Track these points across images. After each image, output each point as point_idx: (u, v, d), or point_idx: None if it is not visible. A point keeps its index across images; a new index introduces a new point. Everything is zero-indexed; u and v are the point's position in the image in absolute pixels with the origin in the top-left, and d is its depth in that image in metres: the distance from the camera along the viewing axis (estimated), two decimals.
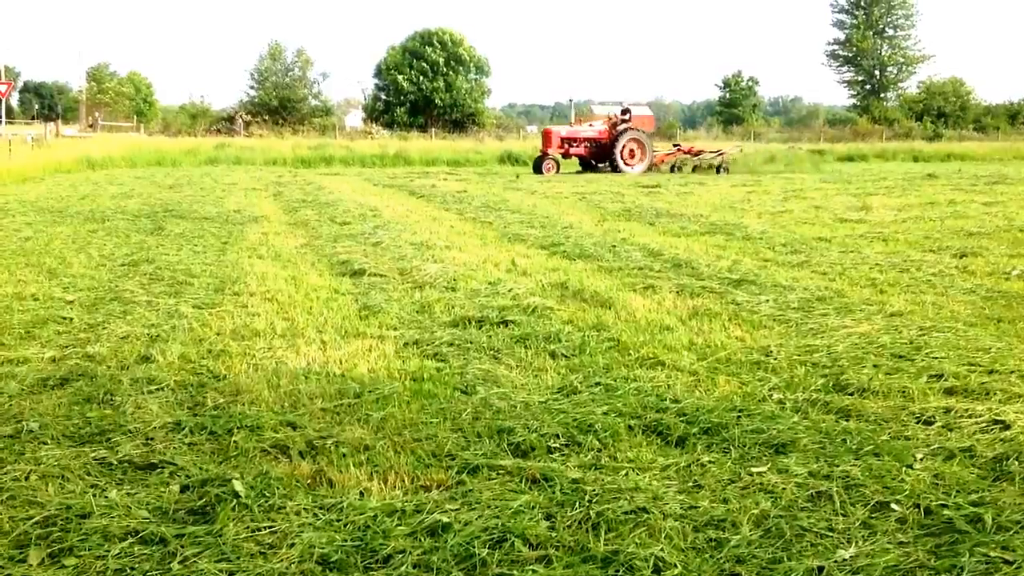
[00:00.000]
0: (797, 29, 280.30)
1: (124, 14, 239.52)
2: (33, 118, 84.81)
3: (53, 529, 3.82)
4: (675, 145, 37.69)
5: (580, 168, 33.96)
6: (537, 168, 31.95)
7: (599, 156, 33.25)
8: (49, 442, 4.82)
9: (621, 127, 33.29)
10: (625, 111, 34.75)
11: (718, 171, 31.75)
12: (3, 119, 39.71)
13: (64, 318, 7.67)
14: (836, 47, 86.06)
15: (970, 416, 5.23)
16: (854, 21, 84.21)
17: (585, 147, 33.36)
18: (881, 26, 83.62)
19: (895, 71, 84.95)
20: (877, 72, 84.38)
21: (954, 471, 4.44)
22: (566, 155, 33.46)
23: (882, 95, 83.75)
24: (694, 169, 33.04)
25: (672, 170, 33.10)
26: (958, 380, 5.88)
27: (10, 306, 8.08)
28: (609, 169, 32.51)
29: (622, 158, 32.37)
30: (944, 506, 4.03)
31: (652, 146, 34.05)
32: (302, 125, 62.22)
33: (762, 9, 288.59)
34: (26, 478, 4.34)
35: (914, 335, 7.09)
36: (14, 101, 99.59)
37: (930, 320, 7.64)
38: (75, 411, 5.30)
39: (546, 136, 33.74)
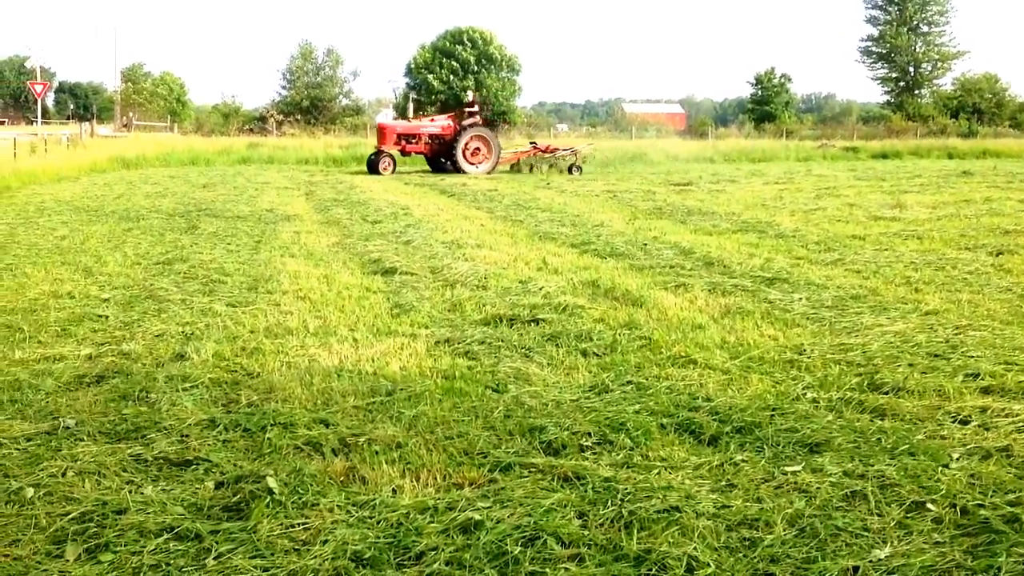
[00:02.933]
0: (830, 25, 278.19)
1: (157, 15, 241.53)
2: (68, 118, 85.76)
3: (89, 525, 3.86)
4: (531, 143, 34.73)
5: (429, 167, 31.57)
6: (373, 167, 29.58)
7: (444, 154, 30.67)
8: (85, 439, 4.87)
9: (467, 122, 30.70)
10: (471, 105, 32.03)
11: (570, 171, 29.82)
12: (39, 119, 40.18)
13: (100, 316, 7.75)
14: (869, 43, 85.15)
15: (1007, 415, 5.18)
16: (888, 17, 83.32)
17: (426, 144, 30.72)
18: (915, 22, 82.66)
19: (929, 67, 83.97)
20: (911, 69, 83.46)
21: (991, 471, 4.40)
22: (404, 152, 30.88)
23: (916, 92, 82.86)
24: (550, 167, 31.01)
25: (531, 170, 31.03)
26: (994, 379, 5.82)
27: (47, 304, 8.17)
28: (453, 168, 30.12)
29: (465, 157, 29.89)
30: (981, 506, 4.00)
31: (499, 144, 31.65)
32: (333, 124, 62.43)
33: (795, 5, 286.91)
34: (63, 474, 4.39)
35: (950, 334, 7.03)
36: (50, 101, 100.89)
37: (966, 319, 7.57)
38: (111, 408, 5.36)
39: (381, 132, 30.84)
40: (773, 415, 5.20)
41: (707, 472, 4.45)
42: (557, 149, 32.78)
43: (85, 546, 3.70)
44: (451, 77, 71.53)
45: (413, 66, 73.86)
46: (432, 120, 32.48)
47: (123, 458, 4.59)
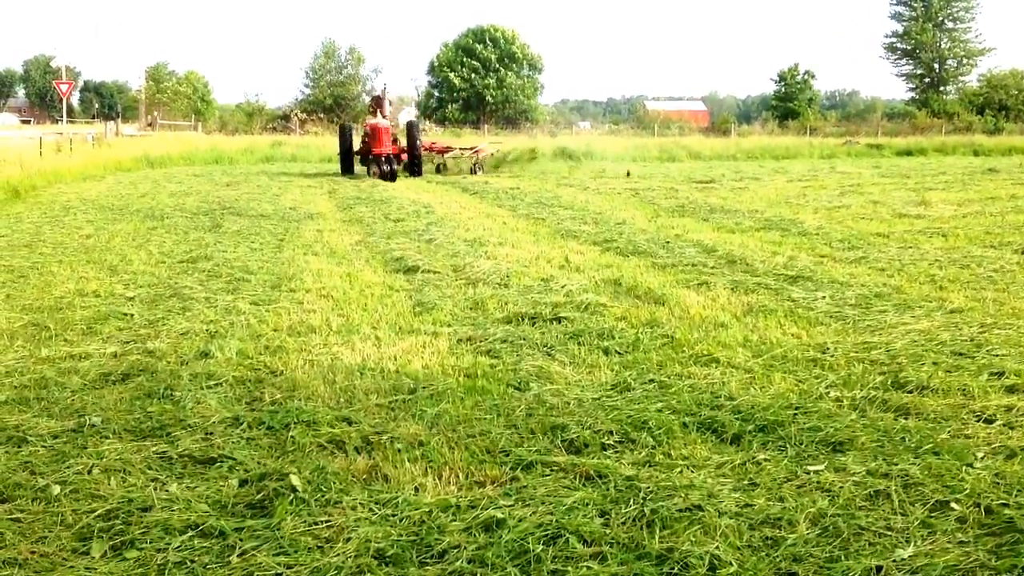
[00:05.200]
0: (854, 22, 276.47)
1: (182, 14, 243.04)
2: (94, 117, 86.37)
3: (115, 522, 3.90)
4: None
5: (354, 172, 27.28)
6: (394, 175, 25.22)
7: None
8: (111, 436, 4.91)
9: (412, 120, 27.78)
10: (378, 99, 28.59)
11: (473, 171, 27.50)
12: (65, 118, 40.47)
13: (125, 314, 7.81)
14: (894, 40, 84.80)
15: None
16: (913, 13, 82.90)
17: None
18: (940, 18, 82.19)
19: (955, 64, 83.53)
20: (936, 65, 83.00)
21: (1015, 470, 4.38)
22: (394, 156, 26.42)
23: (941, 88, 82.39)
24: (439, 169, 28.28)
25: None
26: (1019, 378, 5.79)
27: (72, 302, 8.24)
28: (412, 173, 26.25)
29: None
30: (1005, 505, 3.98)
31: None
32: (356, 123, 62.63)
33: (819, 2, 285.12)
34: (89, 472, 4.43)
35: (974, 332, 6.98)
36: (75, 100, 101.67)
37: (991, 317, 7.52)
38: (136, 406, 5.40)
39: (377, 133, 26.09)
40: (796, 414, 5.18)
41: (729, 471, 4.44)
42: (450, 148, 30.29)
43: (111, 543, 3.74)
44: (473, 75, 71.67)
45: (436, 64, 74.03)
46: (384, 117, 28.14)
47: (148, 456, 4.63)
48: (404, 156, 26.89)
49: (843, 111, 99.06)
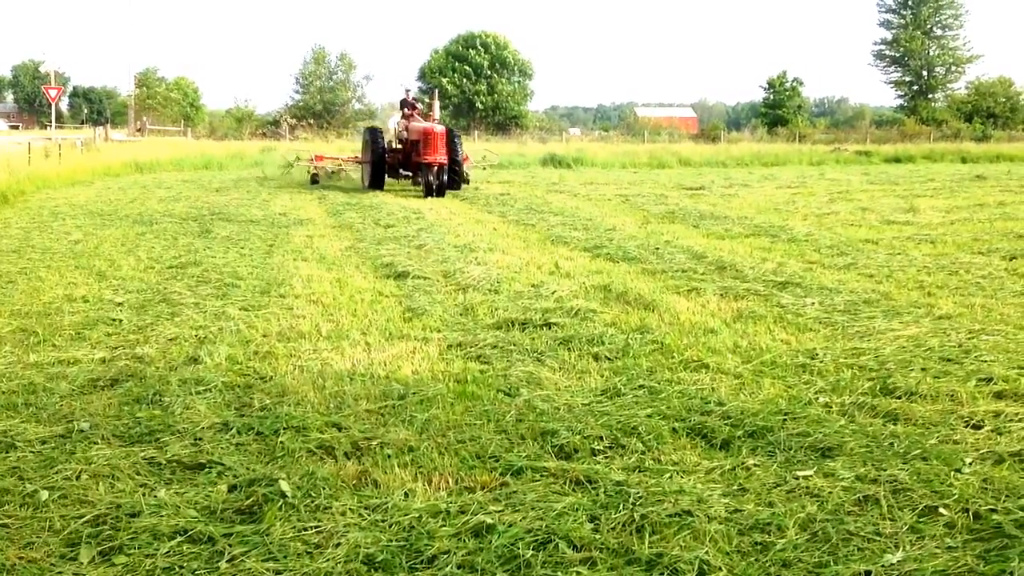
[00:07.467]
0: (843, 29, 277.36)
1: (171, 20, 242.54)
2: (83, 122, 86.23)
3: (103, 528, 3.88)
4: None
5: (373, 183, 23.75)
6: (441, 189, 21.75)
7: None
8: (99, 442, 4.89)
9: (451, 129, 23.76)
10: (413, 102, 25.35)
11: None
12: (54, 123, 40.32)
13: (114, 320, 7.78)
14: (883, 47, 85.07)
15: (1020, 420, 5.17)
16: (901, 21, 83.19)
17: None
18: (929, 26, 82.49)
19: (943, 71, 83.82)
20: (925, 72, 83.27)
21: (1004, 475, 4.39)
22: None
23: (930, 96, 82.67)
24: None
25: (313, 181, 25.34)
26: (1008, 383, 5.81)
27: (61, 308, 8.21)
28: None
29: None
30: (993, 511, 3.99)
31: None
32: (346, 128, 62.67)
33: (808, 9, 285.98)
34: (77, 477, 4.42)
35: (963, 338, 7.01)
36: (64, 106, 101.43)
37: (979, 323, 7.55)
38: (125, 411, 5.38)
39: (433, 139, 21.82)
40: (785, 419, 5.19)
41: (719, 476, 4.45)
42: (336, 158, 27.19)
43: (99, 549, 3.72)
44: (464, 81, 71.68)
45: (427, 70, 74.03)
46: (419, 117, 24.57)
47: (137, 461, 4.62)
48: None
49: (832, 118, 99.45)
